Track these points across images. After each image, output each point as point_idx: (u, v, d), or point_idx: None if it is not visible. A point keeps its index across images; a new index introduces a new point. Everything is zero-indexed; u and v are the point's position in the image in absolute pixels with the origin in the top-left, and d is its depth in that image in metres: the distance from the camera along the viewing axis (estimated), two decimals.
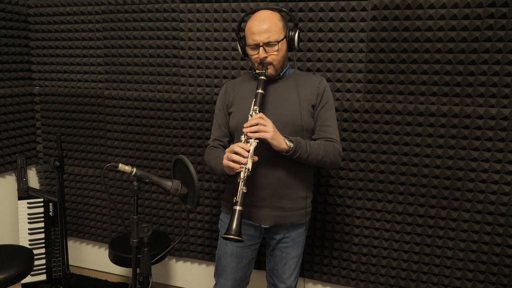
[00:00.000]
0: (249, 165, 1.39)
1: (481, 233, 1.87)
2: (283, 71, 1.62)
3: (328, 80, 1.96)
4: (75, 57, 2.43)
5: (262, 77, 1.51)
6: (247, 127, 1.42)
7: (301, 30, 1.94)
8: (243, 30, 1.63)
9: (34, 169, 2.67)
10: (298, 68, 1.97)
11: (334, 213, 2.07)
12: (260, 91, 1.49)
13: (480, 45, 1.72)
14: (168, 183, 1.45)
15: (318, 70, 1.96)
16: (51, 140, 2.58)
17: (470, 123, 1.79)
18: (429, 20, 1.76)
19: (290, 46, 1.58)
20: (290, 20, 1.64)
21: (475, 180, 1.83)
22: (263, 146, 1.46)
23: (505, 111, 1.74)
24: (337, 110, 1.96)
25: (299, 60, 1.98)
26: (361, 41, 1.88)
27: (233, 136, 1.67)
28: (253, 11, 1.56)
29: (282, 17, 1.56)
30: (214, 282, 1.77)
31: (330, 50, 1.93)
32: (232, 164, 1.41)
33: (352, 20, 1.87)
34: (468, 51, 1.74)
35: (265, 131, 1.41)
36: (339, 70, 1.94)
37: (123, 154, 2.42)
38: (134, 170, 1.38)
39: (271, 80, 1.59)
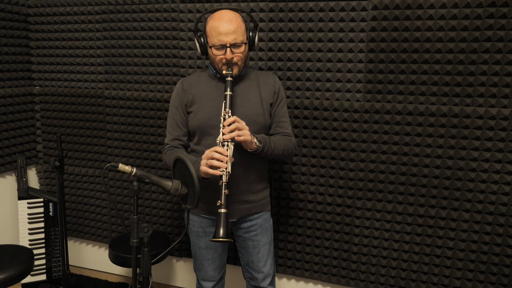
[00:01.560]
0: (229, 168, 1.44)
1: (481, 233, 1.87)
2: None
3: (328, 80, 1.96)
4: (75, 57, 2.43)
5: (229, 78, 1.52)
6: (228, 132, 1.44)
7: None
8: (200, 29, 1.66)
9: (34, 169, 2.67)
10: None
11: (334, 213, 2.07)
12: (229, 92, 1.51)
13: (480, 45, 1.72)
14: (168, 183, 1.45)
15: (318, 70, 1.96)
16: (51, 140, 2.58)
17: (470, 123, 1.79)
18: (429, 20, 1.76)
19: (250, 46, 1.61)
20: (251, 20, 1.67)
21: (475, 180, 1.83)
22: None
23: (505, 111, 1.74)
24: (337, 110, 1.96)
25: (299, 60, 1.98)
26: (361, 41, 1.88)
27: (193, 136, 1.68)
28: (214, 10, 1.57)
29: (243, 18, 1.59)
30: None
31: (330, 50, 1.93)
32: (211, 171, 1.44)
33: (352, 20, 1.87)
34: (468, 51, 1.74)
35: (244, 135, 1.46)
36: (339, 70, 1.94)
37: (123, 154, 2.42)
38: (134, 170, 1.37)
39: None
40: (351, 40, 1.89)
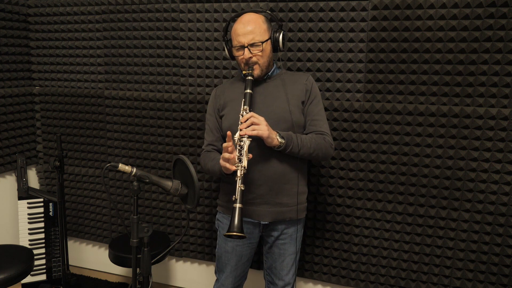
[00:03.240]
0: (245, 163, 1.43)
1: (481, 233, 1.87)
2: (271, 72, 1.67)
3: (328, 80, 1.96)
4: (75, 57, 2.43)
5: (249, 77, 1.55)
6: (243, 128, 1.45)
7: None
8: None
9: (34, 169, 2.67)
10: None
11: (334, 213, 2.07)
12: (248, 90, 1.53)
13: (480, 45, 1.72)
14: (168, 183, 1.45)
15: (318, 70, 1.96)
16: (51, 140, 2.58)
17: (470, 123, 1.79)
18: (429, 20, 1.76)
19: (275, 47, 1.61)
20: (273, 21, 1.68)
21: (475, 180, 1.83)
22: (256, 143, 1.51)
23: (505, 111, 1.74)
24: (337, 110, 1.96)
25: (299, 60, 1.98)
26: (361, 41, 1.88)
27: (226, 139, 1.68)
28: (239, 14, 1.61)
29: (267, 19, 1.61)
30: (214, 281, 1.80)
31: (330, 50, 1.93)
32: (227, 165, 1.44)
33: (352, 20, 1.87)
34: (468, 51, 1.74)
35: (259, 129, 1.45)
36: (339, 70, 1.94)
37: (123, 154, 2.42)
38: (134, 170, 1.38)
39: (259, 81, 1.64)
40: (351, 40, 1.89)
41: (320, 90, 1.98)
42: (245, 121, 1.46)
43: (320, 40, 1.94)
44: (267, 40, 1.57)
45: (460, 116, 1.80)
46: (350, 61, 1.91)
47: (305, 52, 1.97)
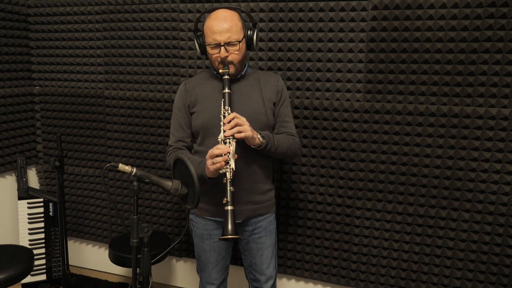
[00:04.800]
0: (233, 165, 1.43)
1: (481, 233, 1.87)
2: (244, 71, 1.66)
3: (328, 80, 1.96)
4: (75, 57, 2.43)
5: (226, 76, 1.53)
6: (228, 129, 1.44)
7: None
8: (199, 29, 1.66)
9: (34, 169, 2.67)
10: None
11: (334, 213, 2.07)
12: (227, 90, 1.52)
13: (480, 45, 1.72)
14: (168, 183, 1.45)
15: (318, 70, 1.96)
16: (51, 140, 2.58)
17: (470, 123, 1.79)
18: (429, 20, 1.76)
19: (249, 45, 1.61)
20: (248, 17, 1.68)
21: (475, 180, 1.83)
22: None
23: (505, 111, 1.74)
24: (337, 110, 1.96)
25: (299, 60, 1.98)
26: (361, 41, 1.88)
27: (196, 137, 1.68)
28: (211, 10, 1.57)
29: (241, 17, 1.59)
30: None
31: (330, 50, 1.93)
32: (219, 166, 1.43)
33: (352, 20, 1.87)
34: (468, 51, 1.74)
35: (245, 130, 1.45)
36: (339, 70, 1.94)
37: (123, 154, 2.42)
38: (134, 170, 1.37)
39: (233, 80, 1.62)
40: (351, 40, 1.89)
41: (320, 90, 1.99)
42: (228, 122, 1.45)
43: (320, 40, 1.93)
44: (243, 39, 1.56)
45: (460, 116, 1.80)
46: (350, 61, 1.91)
47: (305, 52, 1.97)
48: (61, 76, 2.49)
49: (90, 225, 2.60)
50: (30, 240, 2.41)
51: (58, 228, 2.44)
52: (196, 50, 1.67)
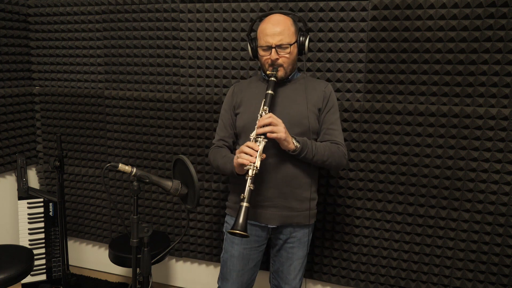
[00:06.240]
0: (258, 163, 1.41)
1: (481, 233, 1.87)
2: (292, 75, 1.65)
3: (328, 80, 1.96)
4: (75, 57, 2.43)
5: (273, 78, 1.54)
6: (260, 126, 1.44)
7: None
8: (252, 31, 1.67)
9: (34, 169, 2.67)
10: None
11: (334, 213, 2.07)
12: (270, 91, 1.51)
13: (480, 45, 1.72)
14: (168, 183, 1.45)
15: (318, 70, 1.96)
16: (51, 140, 2.58)
17: (470, 123, 1.79)
18: (429, 20, 1.76)
19: (300, 50, 1.61)
20: (301, 24, 1.68)
21: (475, 180, 1.83)
22: (272, 145, 1.50)
23: (505, 111, 1.74)
24: None
25: (299, 60, 1.98)
26: (361, 41, 1.88)
27: (239, 137, 1.68)
28: (267, 14, 1.60)
29: (294, 22, 1.60)
30: (215, 281, 1.76)
31: (330, 50, 1.93)
32: (241, 160, 1.42)
33: (352, 20, 1.87)
34: (468, 51, 1.74)
35: (278, 131, 1.43)
36: (339, 70, 1.94)
37: (123, 154, 2.42)
38: (134, 170, 1.38)
39: (280, 83, 1.62)
40: (351, 40, 1.89)
41: None
42: (263, 121, 1.45)
43: (320, 40, 1.94)
44: (294, 43, 1.56)
45: (460, 116, 1.80)
46: (350, 61, 1.91)
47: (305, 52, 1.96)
48: (61, 76, 2.49)
49: (90, 225, 2.60)
50: (30, 240, 2.41)
51: (58, 228, 2.44)
52: (249, 53, 1.69)
